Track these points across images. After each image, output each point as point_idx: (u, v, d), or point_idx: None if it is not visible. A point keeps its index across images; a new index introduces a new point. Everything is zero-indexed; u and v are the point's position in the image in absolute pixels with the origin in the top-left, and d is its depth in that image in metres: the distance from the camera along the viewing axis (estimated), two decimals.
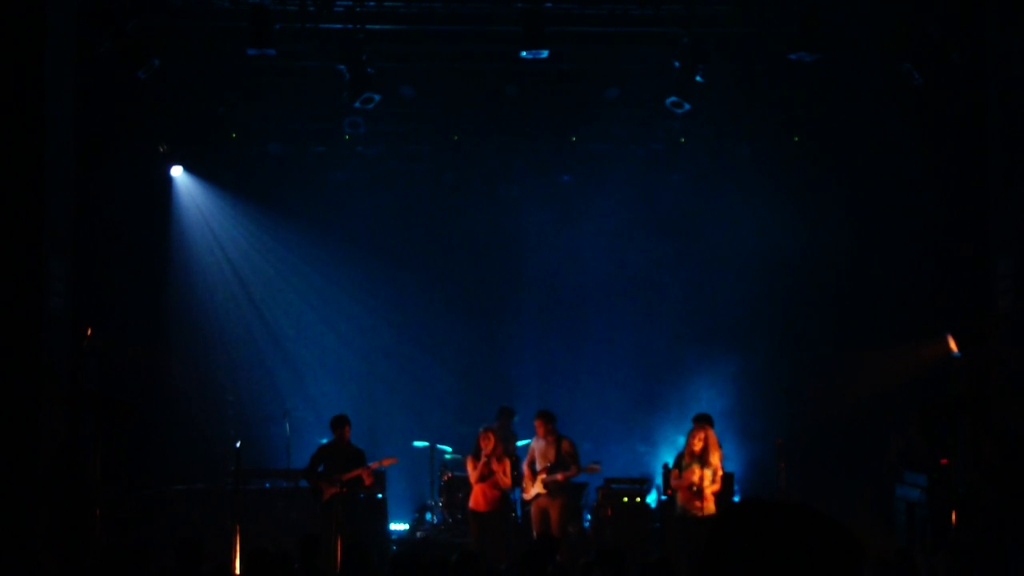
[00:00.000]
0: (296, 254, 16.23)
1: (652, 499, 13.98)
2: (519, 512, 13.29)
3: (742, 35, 13.23)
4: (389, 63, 13.69)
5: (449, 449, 15.00)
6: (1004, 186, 11.49)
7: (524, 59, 12.44)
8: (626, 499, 13.28)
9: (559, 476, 12.22)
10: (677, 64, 13.24)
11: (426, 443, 15.07)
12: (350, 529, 11.93)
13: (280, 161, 15.52)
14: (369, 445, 13.53)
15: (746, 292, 15.40)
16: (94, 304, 12.26)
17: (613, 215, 15.68)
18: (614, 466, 14.71)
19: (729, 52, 13.46)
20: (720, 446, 11.98)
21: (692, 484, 11.70)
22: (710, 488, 11.67)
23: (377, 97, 13.44)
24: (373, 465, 12.54)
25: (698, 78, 13.24)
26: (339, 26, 12.80)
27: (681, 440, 12.38)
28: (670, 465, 12.43)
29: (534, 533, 12.07)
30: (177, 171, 15.55)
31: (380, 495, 13.67)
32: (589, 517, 13.96)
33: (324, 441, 13.00)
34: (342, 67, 13.17)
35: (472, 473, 12.35)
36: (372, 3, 12.51)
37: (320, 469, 12.43)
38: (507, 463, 12.28)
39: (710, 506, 11.68)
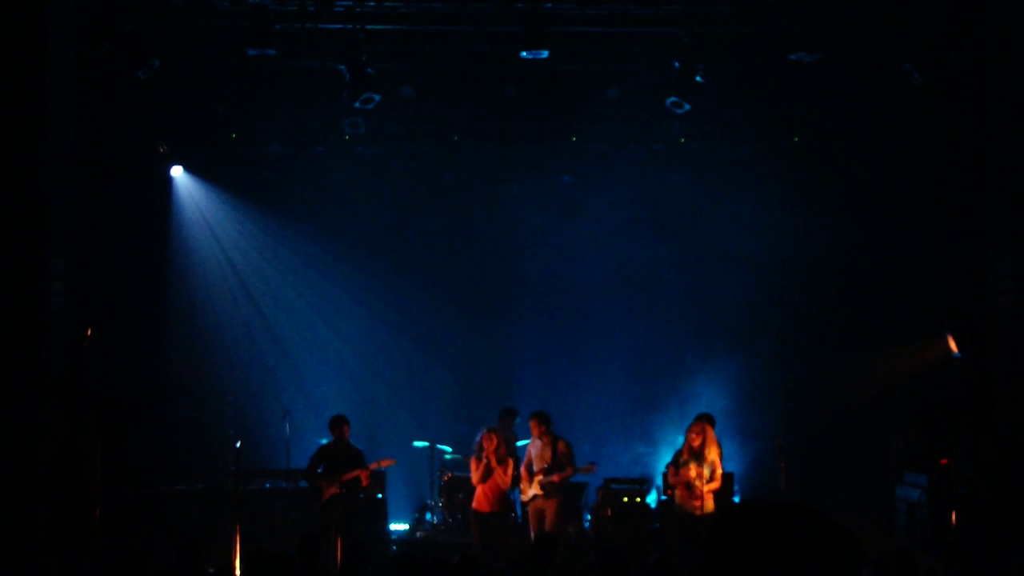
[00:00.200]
0: (296, 254, 16.23)
1: (652, 499, 13.98)
2: (519, 513, 13.29)
3: (742, 35, 13.22)
4: (389, 63, 13.69)
5: (449, 449, 15.00)
6: (1004, 186, 11.49)
7: (524, 59, 12.44)
8: (626, 499, 13.28)
9: (555, 477, 12.21)
10: (677, 64, 13.25)
11: (426, 443, 15.07)
12: (350, 529, 11.93)
13: (280, 161, 15.52)
14: (369, 445, 13.54)
15: (746, 292, 15.40)
16: (94, 304, 12.25)
17: (613, 215, 15.69)
18: (614, 466, 14.72)
19: (729, 52, 13.46)
20: (719, 445, 11.98)
21: (689, 481, 11.70)
22: (707, 486, 11.67)
23: (377, 97, 13.45)
24: (372, 466, 12.53)
25: (698, 78, 13.24)
26: (339, 26, 12.80)
27: (681, 440, 12.38)
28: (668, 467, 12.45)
29: (532, 534, 12.06)
30: (177, 171, 15.56)
31: (380, 495, 13.67)
32: (589, 517, 13.96)
33: (324, 441, 13.00)
34: (342, 67, 13.18)
35: (474, 473, 12.36)
36: (372, 3, 12.51)
37: (320, 470, 12.43)
38: (509, 463, 12.29)
39: (708, 505, 11.68)
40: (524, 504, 12.63)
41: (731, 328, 15.64)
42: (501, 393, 15.22)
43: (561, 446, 12.34)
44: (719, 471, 11.82)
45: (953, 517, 11.29)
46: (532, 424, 12.46)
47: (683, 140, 15.31)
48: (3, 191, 9.95)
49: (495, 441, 12.26)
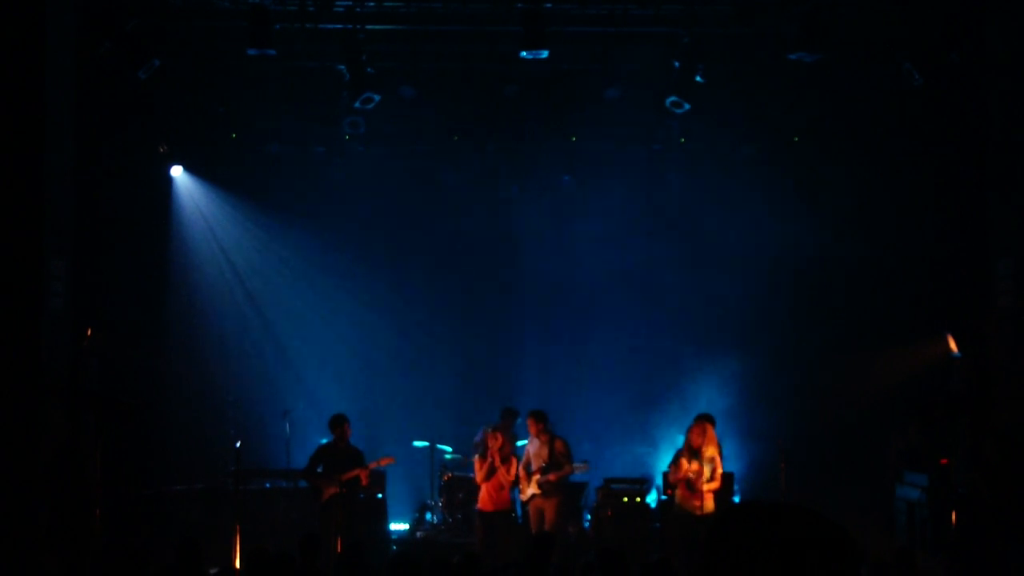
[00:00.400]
0: (296, 254, 16.23)
1: (652, 499, 13.98)
2: (518, 513, 13.29)
3: (742, 35, 13.23)
4: (389, 63, 13.70)
5: (449, 449, 15.01)
6: (1004, 186, 11.49)
7: (524, 59, 12.44)
8: (626, 499, 13.29)
9: (551, 476, 12.23)
10: (677, 64, 13.25)
11: (426, 443, 15.07)
12: (350, 529, 11.93)
13: (280, 161, 15.52)
14: (369, 445, 13.54)
15: (746, 292, 15.40)
16: (94, 304, 12.26)
17: (613, 215, 15.68)
18: (614, 466, 14.73)
19: (729, 52, 13.47)
20: (719, 444, 11.99)
21: (689, 478, 11.68)
22: (707, 485, 11.67)
23: (377, 97, 13.45)
24: (371, 465, 12.54)
25: (698, 78, 13.25)
26: (339, 26, 12.81)
27: (681, 439, 12.38)
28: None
29: (532, 533, 12.06)
30: (177, 171, 15.56)
31: (380, 495, 13.68)
32: (589, 517, 13.96)
33: (324, 441, 13.00)
34: (342, 67, 13.18)
35: (478, 472, 12.37)
36: (372, 3, 12.51)
37: (319, 469, 12.43)
38: (512, 463, 12.33)
39: (709, 505, 11.69)
40: (524, 504, 12.63)
41: (731, 328, 15.64)
42: (501, 393, 15.21)
43: (558, 445, 12.35)
44: (719, 471, 11.83)
45: (953, 517, 11.29)
46: (529, 423, 12.48)
47: (683, 140, 15.31)
48: (3, 191, 9.95)
49: (499, 440, 12.30)
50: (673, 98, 13.56)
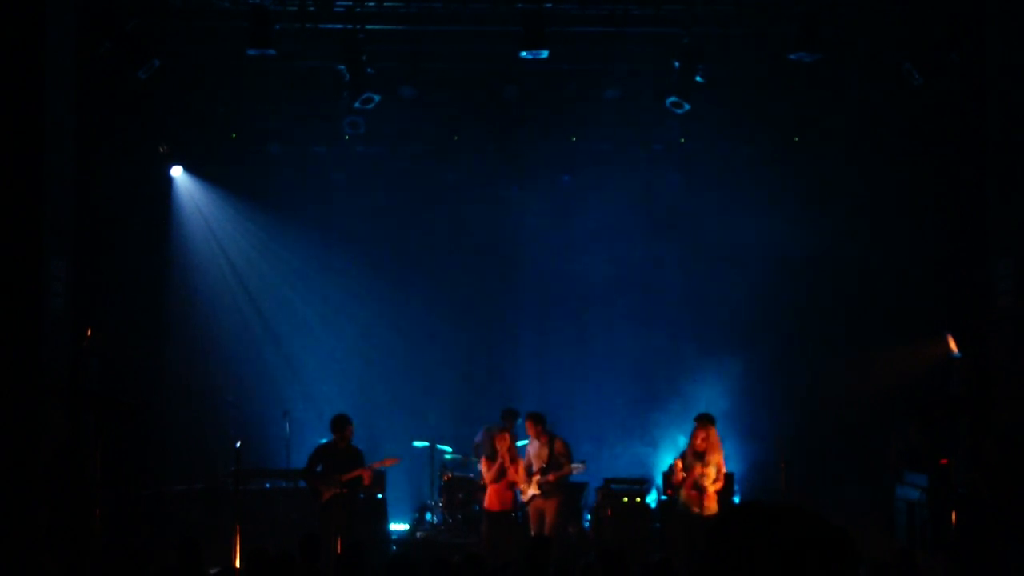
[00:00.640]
0: (296, 254, 16.23)
1: (652, 499, 13.99)
2: (519, 513, 13.30)
3: (742, 35, 13.23)
4: (389, 63, 13.70)
5: (449, 449, 15.01)
6: (1004, 186, 11.49)
7: (524, 59, 12.44)
8: (626, 499, 13.29)
9: (550, 477, 12.24)
10: (677, 64, 13.25)
11: (426, 443, 15.08)
12: (350, 529, 11.93)
13: (280, 161, 15.52)
14: (369, 445, 13.53)
15: (746, 292, 15.40)
16: (94, 304, 12.26)
17: (613, 215, 15.69)
18: (614, 466, 14.73)
19: (729, 52, 13.47)
20: (721, 446, 11.99)
21: (696, 480, 11.67)
22: (712, 486, 11.67)
23: (377, 97, 13.46)
24: (375, 465, 12.55)
25: (698, 78, 13.25)
26: (339, 26, 12.81)
27: (682, 440, 12.39)
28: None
29: (532, 534, 12.08)
30: (177, 171, 15.56)
31: (380, 495, 13.67)
32: (589, 517, 13.96)
33: (323, 441, 12.99)
34: (342, 67, 13.18)
35: (487, 474, 12.38)
36: (372, 3, 12.51)
37: (319, 469, 12.42)
38: (520, 463, 12.36)
39: (713, 505, 11.69)
40: (524, 504, 12.64)
41: (731, 328, 15.64)
42: (501, 393, 15.22)
43: (558, 445, 12.36)
44: (723, 470, 11.83)
45: (953, 517, 11.29)
46: (528, 425, 12.51)
47: (683, 140, 15.32)
48: (3, 191, 9.96)
49: (508, 441, 12.35)
50: (673, 98, 13.57)
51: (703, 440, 11.73)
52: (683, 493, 11.84)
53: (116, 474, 11.36)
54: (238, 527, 11.36)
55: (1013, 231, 11.29)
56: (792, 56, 12.49)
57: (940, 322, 13.75)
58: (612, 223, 15.76)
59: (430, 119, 15.01)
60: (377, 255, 16.30)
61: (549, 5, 12.29)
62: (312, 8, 12.52)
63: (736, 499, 13.52)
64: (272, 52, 12.29)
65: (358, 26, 12.76)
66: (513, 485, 12.34)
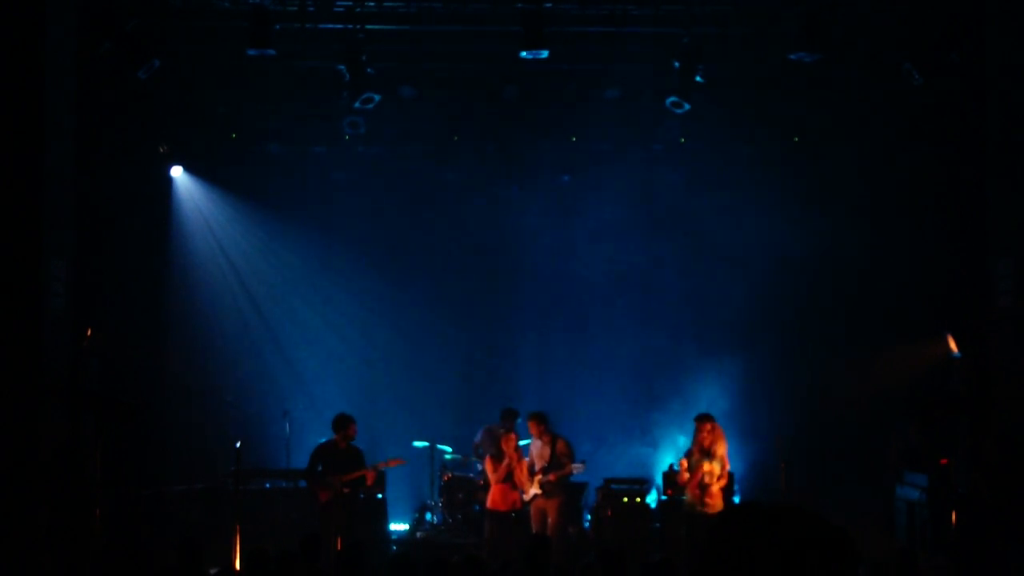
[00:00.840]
0: (296, 254, 16.23)
1: (652, 499, 13.98)
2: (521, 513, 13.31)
3: (742, 35, 13.23)
4: (389, 63, 13.69)
5: (449, 449, 15.01)
6: (1003, 187, 11.49)
7: (524, 59, 12.44)
8: (626, 499, 13.29)
9: (551, 476, 12.25)
10: (677, 64, 13.25)
11: (426, 443, 15.08)
12: (350, 529, 11.93)
13: (280, 161, 15.52)
14: (369, 445, 13.53)
15: (746, 292, 15.40)
16: (94, 304, 12.26)
17: (613, 215, 15.69)
18: (614, 466, 14.73)
19: (729, 52, 13.47)
20: (725, 438, 11.96)
21: (702, 479, 11.62)
22: (717, 484, 11.64)
23: (377, 97, 13.46)
24: (380, 465, 12.57)
25: (698, 78, 13.25)
26: (339, 26, 12.81)
27: (682, 440, 12.38)
28: (675, 468, 12.40)
29: (534, 533, 12.09)
30: (177, 171, 15.56)
31: (380, 495, 13.67)
32: (589, 517, 13.96)
33: (322, 440, 12.98)
34: (342, 67, 13.18)
35: (493, 474, 12.38)
36: (372, 3, 12.51)
37: (319, 468, 12.42)
38: (524, 463, 12.38)
39: (718, 503, 11.69)
40: (526, 503, 12.65)
41: (731, 328, 15.64)
42: (501, 393, 15.22)
43: (560, 445, 12.38)
44: (727, 467, 11.82)
45: (953, 517, 11.29)
46: (531, 425, 12.52)
47: (683, 140, 15.32)
48: (3, 191, 9.96)
49: (514, 442, 12.37)
50: (673, 98, 13.57)
51: (709, 433, 11.69)
52: (689, 493, 11.81)
53: (116, 474, 11.35)
54: (238, 527, 11.36)
55: (1013, 231, 11.29)
56: (792, 56, 12.49)
57: (940, 322, 13.75)
58: (612, 223, 15.76)
59: (430, 119, 15.00)
60: (377, 255, 16.30)
61: (549, 5, 12.29)
62: (312, 8, 12.52)
63: (736, 499, 13.51)
64: (272, 52, 12.29)
65: (358, 26, 12.76)
66: (517, 486, 12.35)
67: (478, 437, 14.71)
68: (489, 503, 12.51)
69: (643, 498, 13.47)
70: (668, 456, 14.64)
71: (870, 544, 10.62)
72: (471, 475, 14.53)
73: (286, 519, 13.02)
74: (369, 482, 12.38)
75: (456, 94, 14.58)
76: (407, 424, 15.62)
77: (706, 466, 11.67)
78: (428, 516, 14.75)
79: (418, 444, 15.10)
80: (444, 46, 13.73)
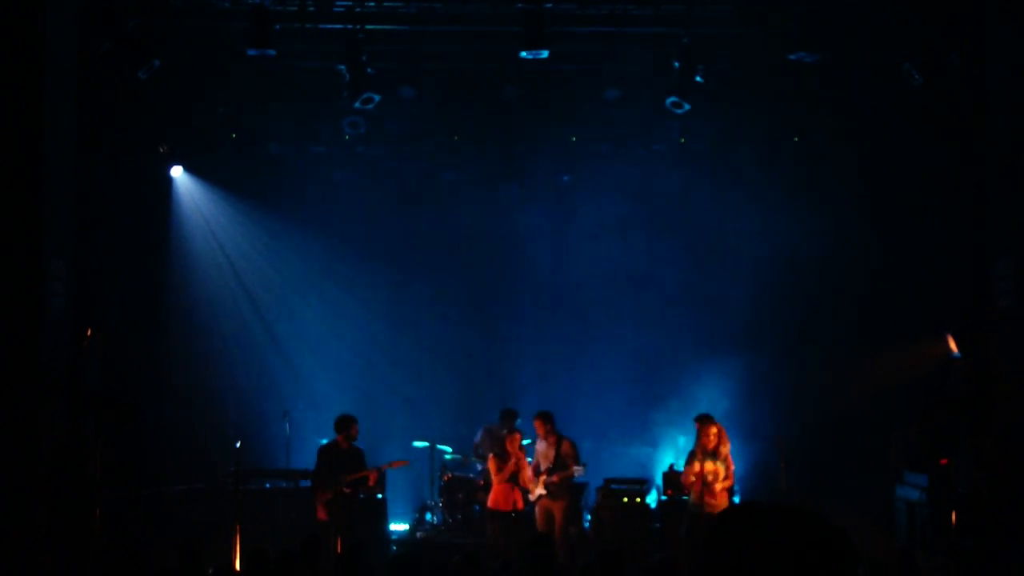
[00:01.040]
0: (296, 254, 16.24)
1: (652, 499, 13.98)
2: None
3: (742, 35, 13.23)
4: (389, 63, 13.70)
5: (449, 449, 15.01)
6: (1003, 187, 11.49)
7: (524, 59, 12.45)
8: (626, 499, 13.29)
9: (555, 477, 12.25)
10: (677, 64, 13.25)
11: (426, 443, 15.08)
12: (350, 529, 11.93)
13: (280, 161, 15.53)
14: (369, 445, 13.52)
15: (746, 292, 15.41)
16: (94, 304, 12.26)
17: (613, 215, 15.70)
18: (614, 466, 14.72)
19: (729, 52, 13.47)
20: (728, 437, 11.96)
21: (706, 479, 11.61)
22: (721, 484, 11.64)
23: (377, 97, 13.47)
24: (383, 467, 12.57)
25: (698, 78, 13.25)
26: (339, 26, 12.82)
27: (682, 440, 12.38)
28: (677, 468, 12.38)
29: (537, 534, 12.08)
30: (177, 171, 15.57)
31: (380, 495, 13.67)
32: (589, 517, 13.96)
33: (324, 441, 12.98)
34: (342, 67, 13.19)
35: (497, 474, 12.38)
36: (372, 3, 12.52)
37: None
38: (527, 463, 12.39)
39: (724, 503, 11.68)
40: (528, 504, 12.65)
41: (731, 328, 15.64)
42: (501, 393, 15.23)
43: (565, 446, 12.38)
44: (731, 466, 11.81)
45: (953, 517, 11.29)
46: (537, 424, 12.50)
47: (683, 140, 15.32)
48: (3, 191, 9.96)
49: (518, 441, 12.38)
50: (673, 98, 13.58)
51: (714, 435, 11.67)
52: (694, 492, 11.78)
53: (116, 474, 11.35)
54: (238, 527, 11.36)
55: (1013, 231, 11.28)
56: (792, 56, 12.50)
57: (940, 322, 13.75)
58: (612, 223, 15.77)
59: (430, 119, 15.01)
60: (377, 255, 16.31)
61: (549, 5, 12.28)
62: (312, 8, 12.52)
63: (736, 499, 13.51)
64: (272, 52, 12.29)
65: (358, 26, 12.77)
66: (521, 486, 12.35)
67: (478, 437, 14.71)
68: (490, 503, 12.50)
69: (643, 498, 13.47)
70: (668, 456, 14.64)
71: (870, 544, 10.62)
72: (471, 475, 14.54)
73: (286, 519, 13.02)
74: (371, 483, 12.38)
75: (456, 94, 14.58)
76: (407, 424, 15.63)
77: (709, 466, 11.66)
78: (428, 516, 14.75)
79: (418, 444, 15.11)
80: (444, 46, 13.73)
